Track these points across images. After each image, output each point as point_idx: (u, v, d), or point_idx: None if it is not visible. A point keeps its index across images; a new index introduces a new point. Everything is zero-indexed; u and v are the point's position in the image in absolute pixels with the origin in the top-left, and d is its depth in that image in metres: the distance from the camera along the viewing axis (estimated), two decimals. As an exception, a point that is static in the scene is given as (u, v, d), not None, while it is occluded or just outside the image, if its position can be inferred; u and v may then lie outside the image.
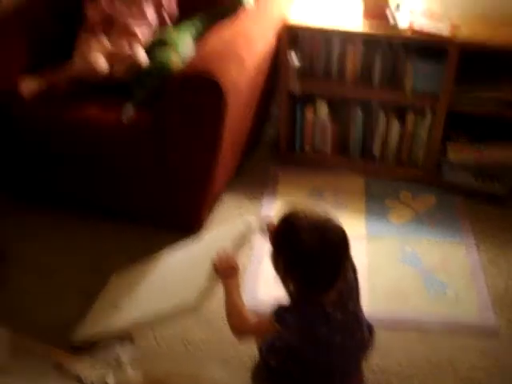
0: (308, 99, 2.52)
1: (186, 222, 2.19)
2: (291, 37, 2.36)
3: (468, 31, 2.24)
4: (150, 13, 2.36)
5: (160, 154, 2.02)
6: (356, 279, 1.53)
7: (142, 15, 2.34)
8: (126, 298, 1.81)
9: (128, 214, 2.28)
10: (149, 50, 2.19)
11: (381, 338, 1.78)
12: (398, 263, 2.12)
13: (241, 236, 1.61)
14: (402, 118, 2.46)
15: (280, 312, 1.42)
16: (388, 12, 2.28)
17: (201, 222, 2.21)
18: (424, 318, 1.91)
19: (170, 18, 2.41)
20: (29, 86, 2.16)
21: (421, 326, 1.88)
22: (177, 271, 1.78)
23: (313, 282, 1.38)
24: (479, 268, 2.10)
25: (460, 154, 2.42)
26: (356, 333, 1.51)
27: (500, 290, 2.02)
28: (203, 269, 1.54)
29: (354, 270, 1.53)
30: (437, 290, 2.01)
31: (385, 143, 2.53)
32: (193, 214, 2.18)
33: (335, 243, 1.36)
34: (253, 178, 2.52)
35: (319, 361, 1.50)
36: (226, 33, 2.12)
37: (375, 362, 1.75)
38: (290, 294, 1.46)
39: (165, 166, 2.04)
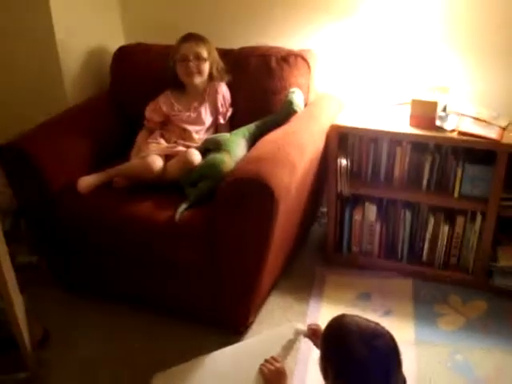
0: (356, 200, 2.56)
1: (233, 322, 2.19)
2: (340, 139, 2.43)
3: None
4: (208, 119, 2.47)
5: (211, 254, 2.05)
6: None
7: (200, 121, 2.46)
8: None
9: (178, 311, 2.29)
10: (203, 151, 2.29)
11: None
12: (449, 371, 2.04)
13: (289, 343, 1.61)
14: (451, 221, 2.45)
15: None
16: (440, 119, 2.33)
17: (247, 323, 2.21)
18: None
19: (224, 119, 2.52)
20: (86, 182, 2.27)
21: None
22: (224, 375, 1.76)
23: None
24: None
25: (511, 259, 2.38)
26: None
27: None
28: (250, 374, 1.53)
29: (404, 381, 1.49)
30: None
31: (433, 246, 2.51)
32: (240, 313, 2.18)
33: (385, 350, 1.34)
34: (300, 278, 2.53)
35: None
36: (278, 138, 2.20)
37: None
38: None
39: (215, 265, 2.07)
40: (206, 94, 2.49)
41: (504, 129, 2.30)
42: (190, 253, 2.08)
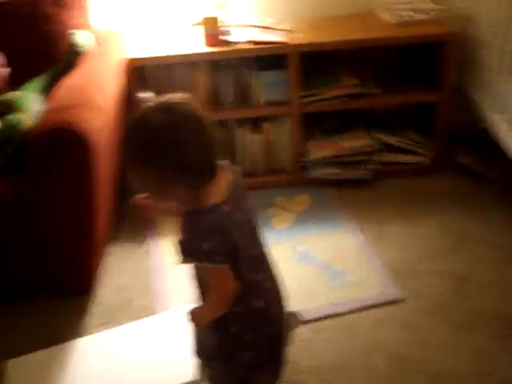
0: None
1: (77, 283, 2.09)
2: (139, 72, 2.36)
3: (302, 35, 2.41)
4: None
5: (32, 223, 1.92)
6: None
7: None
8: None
9: (22, 292, 2.12)
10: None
11: (303, 337, 1.84)
12: (296, 264, 2.19)
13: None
14: (259, 129, 2.56)
15: (195, 250, 1.24)
16: (224, 34, 2.38)
17: (91, 280, 2.12)
18: (335, 309, 1.99)
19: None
20: None
21: (335, 317, 1.96)
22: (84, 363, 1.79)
23: (192, 162, 1.22)
24: (369, 248, 2.25)
25: (320, 150, 2.58)
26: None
27: (395, 262, 2.18)
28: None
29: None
30: (338, 278, 2.11)
31: (248, 157, 2.61)
32: (81, 273, 2.08)
33: (184, 113, 1.22)
34: (134, 220, 2.47)
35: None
36: (75, 82, 2.07)
37: (306, 363, 1.80)
38: (183, 205, 1.29)
39: (41, 225, 1.93)
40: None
41: (290, 31, 2.42)
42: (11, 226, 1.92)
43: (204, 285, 1.37)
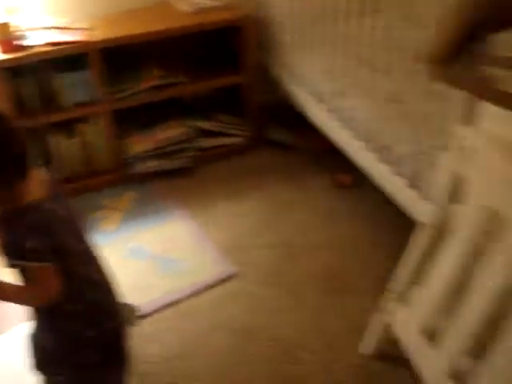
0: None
1: None
2: None
3: (100, 32, 2.37)
4: None
5: None
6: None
7: None
8: None
9: None
10: None
11: (147, 330, 1.86)
12: (129, 261, 2.18)
13: None
14: (72, 132, 2.49)
15: (19, 250, 1.20)
16: (19, 38, 2.27)
17: None
18: (173, 297, 2.02)
19: None
20: None
21: (174, 305, 2.00)
22: None
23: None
24: (200, 232, 2.30)
25: (139, 145, 2.57)
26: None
27: (226, 241, 2.26)
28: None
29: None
30: (173, 267, 2.14)
31: (67, 162, 2.53)
32: None
33: None
34: None
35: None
36: None
37: (152, 353, 1.82)
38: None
39: None
40: None
41: (87, 30, 2.37)
42: None
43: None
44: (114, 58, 2.40)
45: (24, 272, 1.27)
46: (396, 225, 2.02)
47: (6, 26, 2.24)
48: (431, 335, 1.51)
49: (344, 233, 2.28)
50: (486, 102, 1.29)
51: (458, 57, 1.20)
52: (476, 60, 1.22)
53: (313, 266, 2.15)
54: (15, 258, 1.22)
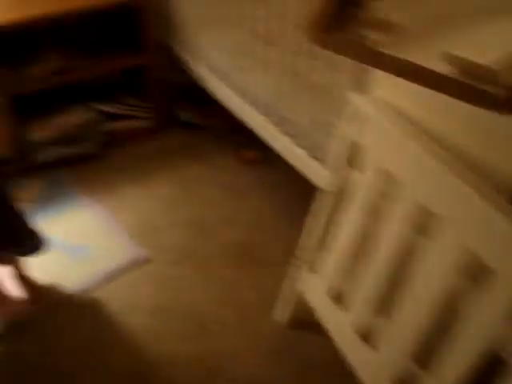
0: None
1: None
2: None
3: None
4: None
5: None
6: None
7: None
8: None
9: None
10: None
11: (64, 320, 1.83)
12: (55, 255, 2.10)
13: None
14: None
15: None
16: None
17: None
18: (90, 283, 1.99)
19: None
20: None
21: (92, 291, 1.97)
22: None
23: None
24: (107, 218, 2.28)
25: (41, 132, 2.49)
26: None
27: (136, 224, 2.25)
28: None
29: None
30: (85, 255, 2.11)
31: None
32: None
33: None
34: None
35: None
36: None
37: (62, 346, 1.79)
38: None
39: None
40: None
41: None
42: None
43: None
44: (10, 42, 2.30)
45: None
46: (303, 195, 2.07)
47: None
48: (339, 298, 1.56)
49: (252, 206, 2.33)
50: (369, 66, 1.33)
51: (341, 22, 1.21)
52: (360, 25, 1.24)
53: (223, 241, 2.18)
54: None
